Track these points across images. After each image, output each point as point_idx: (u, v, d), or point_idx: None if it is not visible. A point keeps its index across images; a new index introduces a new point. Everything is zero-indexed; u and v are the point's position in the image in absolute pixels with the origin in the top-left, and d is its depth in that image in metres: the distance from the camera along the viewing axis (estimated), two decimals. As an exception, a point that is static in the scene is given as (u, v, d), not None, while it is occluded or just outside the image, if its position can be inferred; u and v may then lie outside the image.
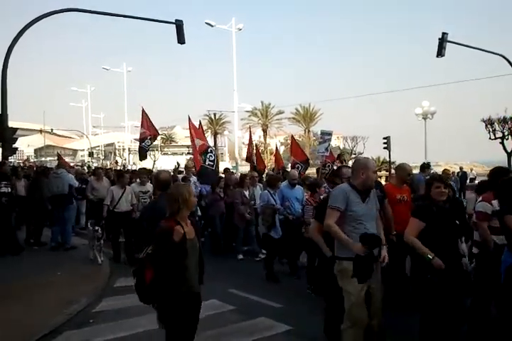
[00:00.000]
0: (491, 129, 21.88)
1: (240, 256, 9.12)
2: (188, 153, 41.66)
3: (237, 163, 31.98)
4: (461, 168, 25.27)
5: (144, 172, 10.00)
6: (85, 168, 20.75)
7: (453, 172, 23.62)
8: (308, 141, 52.36)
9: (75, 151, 71.66)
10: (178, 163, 26.90)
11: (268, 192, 7.88)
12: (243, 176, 10.12)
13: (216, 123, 55.66)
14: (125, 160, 54.42)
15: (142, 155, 13.20)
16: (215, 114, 54.26)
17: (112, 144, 69.40)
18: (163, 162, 38.15)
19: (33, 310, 5.77)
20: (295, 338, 5.01)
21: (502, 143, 21.64)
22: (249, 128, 17.97)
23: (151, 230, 4.93)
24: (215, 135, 54.54)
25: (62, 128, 63.07)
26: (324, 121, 53.48)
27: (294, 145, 13.26)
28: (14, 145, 12.43)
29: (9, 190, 8.98)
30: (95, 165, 44.95)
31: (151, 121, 12.74)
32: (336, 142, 72.79)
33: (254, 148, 13.89)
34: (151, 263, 3.43)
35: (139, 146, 13.22)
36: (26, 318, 5.47)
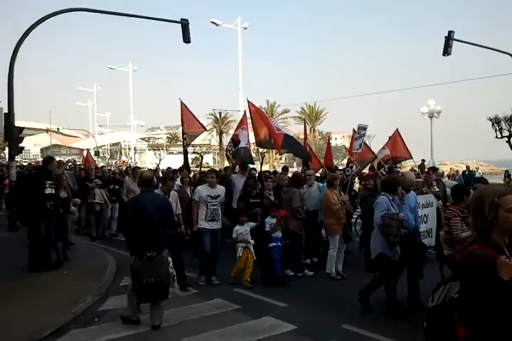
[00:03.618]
0: (497, 128, 21.69)
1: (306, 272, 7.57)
2: (194, 152, 41.62)
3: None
4: (467, 167, 25.03)
5: (213, 172, 8.39)
6: (112, 167, 19.71)
7: (456, 171, 23.49)
8: (314, 139, 52.24)
9: (81, 151, 71.85)
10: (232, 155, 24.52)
11: (386, 197, 6.07)
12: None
13: (222, 122, 55.70)
14: (131, 159, 54.59)
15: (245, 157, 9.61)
16: (220, 113, 54.31)
17: (117, 143, 69.70)
18: (168, 161, 38.15)
19: (39, 309, 5.80)
20: (300, 337, 5.00)
21: (508, 141, 21.45)
22: (304, 120, 16.13)
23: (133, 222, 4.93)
24: (220, 134, 54.54)
25: (69, 128, 63.44)
26: (330, 120, 53.33)
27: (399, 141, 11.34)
28: (20, 145, 12.50)
29: (53, 192, 7.95)
30: (101, 164, 45.16)
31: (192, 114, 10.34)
32: (341, 141, 72.78)
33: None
34: (461, 317, 2.13)
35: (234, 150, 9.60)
36: (32, 316, 5.49)
